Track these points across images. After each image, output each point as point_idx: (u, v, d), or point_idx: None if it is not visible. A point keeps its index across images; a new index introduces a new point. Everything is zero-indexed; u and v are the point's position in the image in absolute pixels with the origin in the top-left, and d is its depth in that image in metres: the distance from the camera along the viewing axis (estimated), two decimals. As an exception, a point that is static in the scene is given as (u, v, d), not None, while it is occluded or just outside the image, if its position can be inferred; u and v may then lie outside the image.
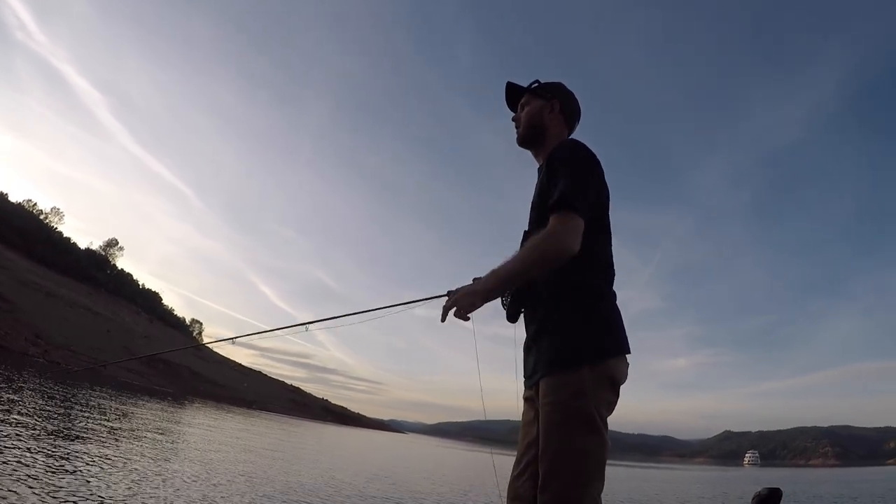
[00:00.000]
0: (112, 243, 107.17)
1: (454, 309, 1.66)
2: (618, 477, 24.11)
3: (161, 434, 11.03)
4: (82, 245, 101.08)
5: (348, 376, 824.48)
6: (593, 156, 1.75)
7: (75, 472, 5.12)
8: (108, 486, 4.80)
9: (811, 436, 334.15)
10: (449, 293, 1.83)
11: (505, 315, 1.84)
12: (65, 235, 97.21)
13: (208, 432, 15.28)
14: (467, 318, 1.65)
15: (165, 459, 7.41)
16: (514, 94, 2.01)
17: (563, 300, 1.69)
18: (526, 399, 1.83)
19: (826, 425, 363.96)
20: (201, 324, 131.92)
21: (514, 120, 1.99)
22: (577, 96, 1.98)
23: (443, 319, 1.71)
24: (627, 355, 1.69)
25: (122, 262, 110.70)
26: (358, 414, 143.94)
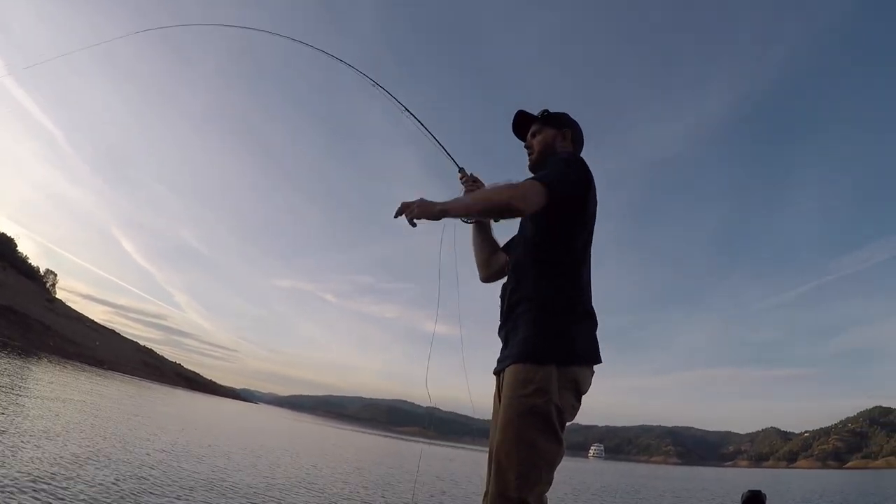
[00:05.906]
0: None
1: (411, 209, 1.70)
2: (478, 462, 24.71)
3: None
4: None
5: (203, 341, 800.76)
6: (588, 171, 1.85)
7: None
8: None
9: (656, 434, 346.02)
10: (461, 170, 2.32)
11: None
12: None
13: (49, 392, 14.55)
14: (414, 224, 1.70)
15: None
16: (522, 122, 2.12)
17: (550, 301, 1.75)
18: (496, 394, 1.84)
19: (670, 425, 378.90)
20: (56, 275, 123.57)
21: (526, 147, 2.09)
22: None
23: (396, 215, 1.73)
24: (595, 366, 1.76)
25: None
26: (210, 381, 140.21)
